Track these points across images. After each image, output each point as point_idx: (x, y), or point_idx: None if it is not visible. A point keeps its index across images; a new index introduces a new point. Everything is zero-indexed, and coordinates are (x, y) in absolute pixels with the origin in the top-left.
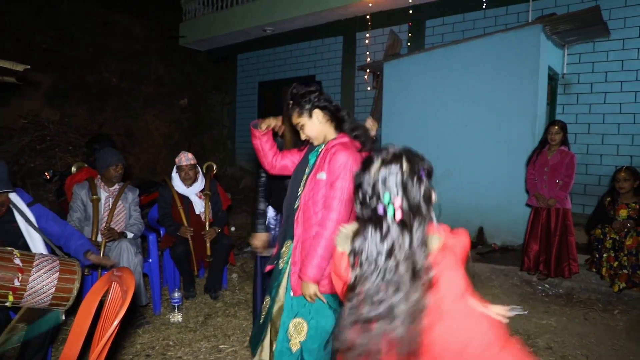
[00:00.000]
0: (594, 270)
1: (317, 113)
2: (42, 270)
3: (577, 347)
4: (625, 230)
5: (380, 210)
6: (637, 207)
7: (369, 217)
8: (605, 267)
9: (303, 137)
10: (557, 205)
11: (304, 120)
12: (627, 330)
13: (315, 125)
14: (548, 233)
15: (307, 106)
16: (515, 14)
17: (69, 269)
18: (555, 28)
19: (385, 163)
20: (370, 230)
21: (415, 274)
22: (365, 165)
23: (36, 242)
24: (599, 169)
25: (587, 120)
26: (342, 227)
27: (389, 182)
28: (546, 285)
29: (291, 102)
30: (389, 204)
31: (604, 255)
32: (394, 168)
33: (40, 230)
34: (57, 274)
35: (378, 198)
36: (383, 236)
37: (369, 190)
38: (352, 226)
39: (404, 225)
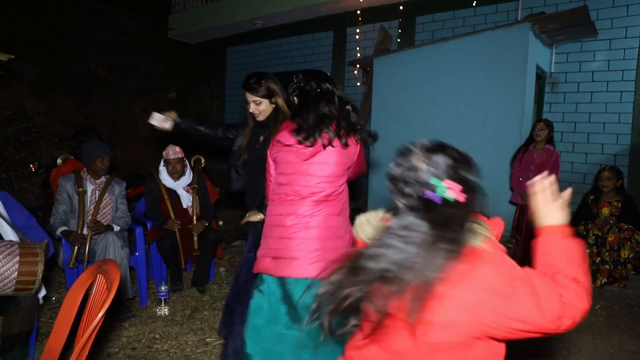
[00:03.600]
0: None
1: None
2: (1, 256)
3: (559, 342)
4: (608, 226)
5: (427, 194)
6: (619, 205)
7: (411, 206)
8: (588, 262)
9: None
10: None
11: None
12: (608, 325)
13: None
14: (533, 230)
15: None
16: (504, 12)
17: (30, 252)
18: (543, 27)
19: (428, 151)
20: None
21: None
22: (403, 159)
23: (6, 230)
24: (584, 167)
25: (573, 119)
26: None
27: (437, 168)
28: None
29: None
30: (438, 187)
31: (587, 251)
32: (440, 157)
33: (5, 218)
34: (18, 257)
35: (424, 184)
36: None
37: (415, 182)
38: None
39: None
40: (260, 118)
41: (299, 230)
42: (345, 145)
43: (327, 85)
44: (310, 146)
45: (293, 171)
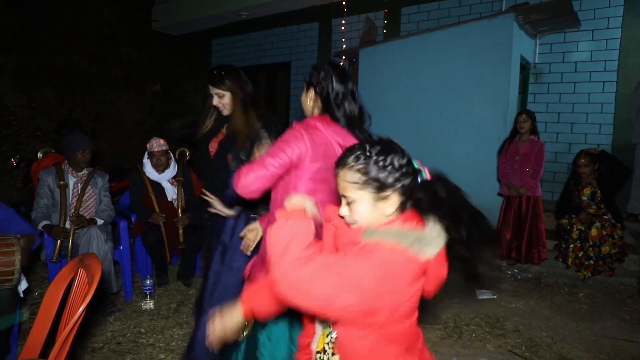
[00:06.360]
0: (560, 260)
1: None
2: None
3: (543, 329)
4: (589, 222)
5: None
6: (595, 182)
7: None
8: (571, 257)
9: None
10: (528, 193)
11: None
12: (591, 312)
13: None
14: (519, 220)
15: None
16: (489, 2)
17: (4, 242)
18: (527, 17)
19: (393, 143)
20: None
21: None
22: (377, 151)
23: None
24: (567, 157)
25: (557, 110)
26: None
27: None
28: (515, 270)
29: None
30: (419, 169)
31: (570, 245)
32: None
33: None
34: None
35: (409, 167)
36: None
37: (397, 168)
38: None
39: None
40: (225, 112)
41: None
42: None
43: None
44: None
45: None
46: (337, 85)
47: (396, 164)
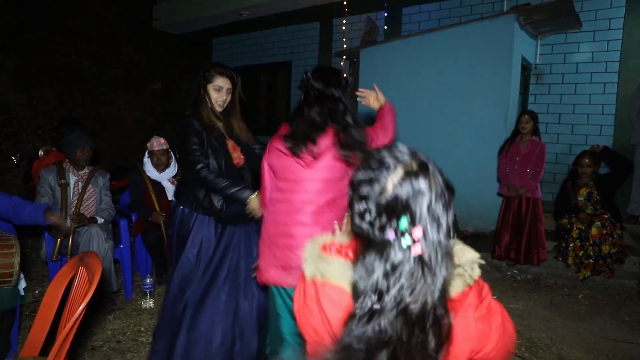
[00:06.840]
0: (560, 259)
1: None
2: None
3: (542, 330)
4: (589, 221)
5: (389, 236)
6: (593, 183)
7: (371, 240)
8: (571, 256)
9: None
10: (528, 194)
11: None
12: (590, 313)
13: None
14: (519, 221)
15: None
16: (490, 3)
17: (4, 243)
18: (529, 18)
19: (409, 174)
20: (372, 259)
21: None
22: (373, 169)
23: None
24: (568, 158)
25: (557, 110)
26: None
27: (412, 202)
28: (515, 271)
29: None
30: (404, 232)
31: (570, 244)
32: (422, 184)
33: None
34: None
35: (390, 220)
36: (388, 269)
37: (377, 207)
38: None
39: (423, 263)
40: (220, 109)
41: (305, 239)
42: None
43: (333, 90)
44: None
45: (295, 177)
46: (314, 85)
47: (358, 184)
